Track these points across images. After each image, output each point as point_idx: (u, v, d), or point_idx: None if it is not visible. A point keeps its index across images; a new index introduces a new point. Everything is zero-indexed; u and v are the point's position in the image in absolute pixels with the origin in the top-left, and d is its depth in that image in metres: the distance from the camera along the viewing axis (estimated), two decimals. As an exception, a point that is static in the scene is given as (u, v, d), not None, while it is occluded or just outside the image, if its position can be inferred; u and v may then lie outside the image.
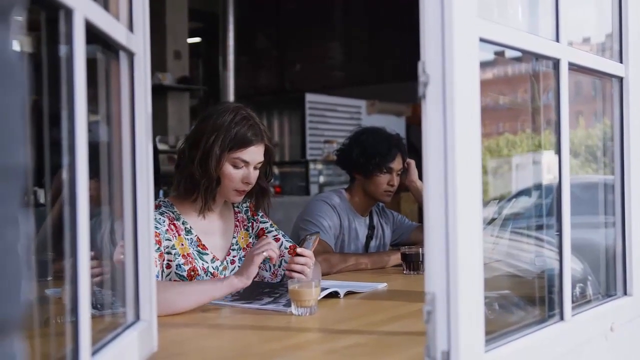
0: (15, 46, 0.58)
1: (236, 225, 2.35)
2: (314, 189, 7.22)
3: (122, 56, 1.31)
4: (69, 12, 0.97)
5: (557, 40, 1.48)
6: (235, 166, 2.17)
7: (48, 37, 1.04)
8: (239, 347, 1.58)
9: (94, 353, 1.07)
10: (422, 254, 2.61)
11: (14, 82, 0.55)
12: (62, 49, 1.00)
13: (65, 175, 0.99)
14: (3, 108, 0.53)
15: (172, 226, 2.16)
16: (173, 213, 2.19)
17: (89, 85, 1.03)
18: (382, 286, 2.31)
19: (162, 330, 1.45)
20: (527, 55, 1.58)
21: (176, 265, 2.13)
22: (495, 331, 1.30)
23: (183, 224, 2.20)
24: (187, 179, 2.18)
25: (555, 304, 1.50)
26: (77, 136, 0.99)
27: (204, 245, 2.22)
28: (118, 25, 1.23)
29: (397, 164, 2.97)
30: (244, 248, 2.33)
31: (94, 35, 1.09)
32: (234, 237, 2.33)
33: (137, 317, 1.34)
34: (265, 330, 1.71)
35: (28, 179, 0.60)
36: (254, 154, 2.18)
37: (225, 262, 2.27)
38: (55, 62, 1.00)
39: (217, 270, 2.23)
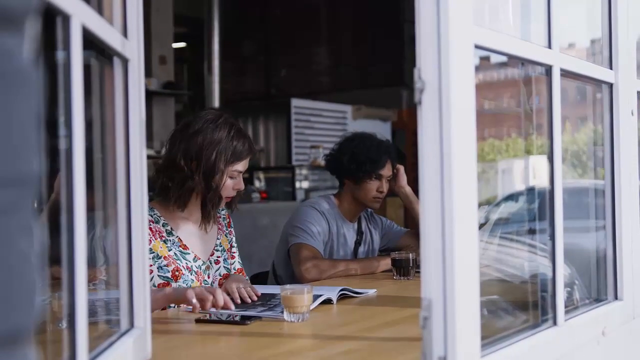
0: (29, 55, 0.57)
1: (219, 228, 2.42)
2: (300, 194, 7.21)
3: (116, 62, 1.30)
4: (66, 18, 0.97)
5: (549, 46, 1.49)
6: (232, 177, 2.26)
7: (44, 43, 1.03)
8: (233, 355, 1.57)
9: (90, 361, 1.06)
10: (412, 260, 2.61)
11: (29, 90, 0.55)
12: (59, 55, 0.99)
13: (62, 181, 0.98)
14: (18, 116, 0.52)
15: (149, 230, 2.18)
16: (152, 216, 2.22)
17: (83, 91, 1.02)
18: (372, 292, 2.32)
19: (155, 337, 1.44)
20: (513, 61, 1.59)
21: (158, 268, 2.16)
22: (490, 336, 1.31)
23: (163, 226, 2.24)
24: (186, 192, 2.22)
25: (548, 309, 1.51)
26: (75, 142, 0.98)
27: (185, 245, 2.27)
28: (113, 31, 1.22)
29: (387, 171, 2.97)
30: (227, 250, 2.41)
31: (88, 41, 1.08)
32: (218, 239, 2.40)
33: (132, 325, 1.33)
34: (258, 337, 1.71)
35: (41, 187, 0.60)
36: (247, 163, 2.30)
37: (208, 262, 2.32)
38: (52, 68, 1.00)
39: (200, 269, 2.28)
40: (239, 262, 2.48)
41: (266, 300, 2.11)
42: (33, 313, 0.56)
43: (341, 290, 2.16)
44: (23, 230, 0.55)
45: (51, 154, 1.00)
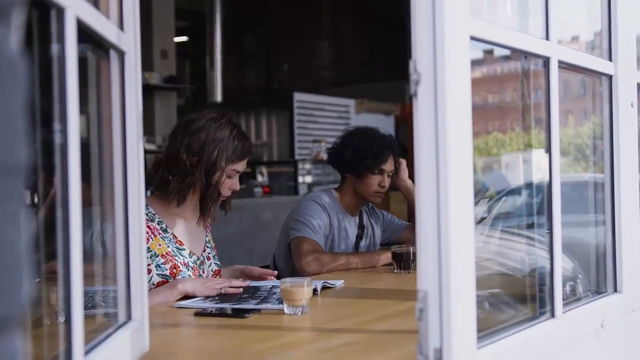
0: (16, 45, 0.58)
1: (207, 226, 2.45)
2: (302, 188, 7.20)
3: (113, 55, 1.30)
4: (60, 11, 0.97)
5: (547, 38, 1.49)
6: (230, 176, 2.28)
7: (38, 36, 1.03)
8: (231, 347, 1.57)
9: (87, 353, 1.07)
10: (413, 253, 2.61)
11: (15, 80, 0.55)
12: (54, 48, 0.99)
13: (57, 176, 0.98)
14: (5, 106, 0.53)
15: (147, 228, 2.18)
16: (147, 214, 2.22)
17: (79, 84, 1.02)
18: (340, 283, 2.34)
19: (153, 330, 1.44)
20: (516, 54, 1.59)
21: (156, 266, 2.17)
22: (487, 328, 1.31)
23: (158, 223, 2.25)
24: (186, 187, 2.23)
25: (546, 301, 1.51)
26: (70, 136, 0.98)
27: (180, 241, 2.29)
28: (109, 24, 1.22)
29: (389, 166, 2.97)
30: (213, 247, 2.45)
31: (84, 34, 1.08)
32: (207, 236, 2.43)
33: (129, 317, 1.34)
34: (257, 330, 1.71)
35: (29, 177, 0.61)
36: (245, 164, 2.33)
37: (202, 257, 2.36)
38: (46, 62, 1.00)
39: (196, 265, 2.31)
40: (216, 263, 2.51)
41: (253, 293, 2.10)
42: (20, 301, 0.56)
43: (323, 285, 2.19)
44: (11, 219, 0.55)
45: (51, 149, 1.00)
